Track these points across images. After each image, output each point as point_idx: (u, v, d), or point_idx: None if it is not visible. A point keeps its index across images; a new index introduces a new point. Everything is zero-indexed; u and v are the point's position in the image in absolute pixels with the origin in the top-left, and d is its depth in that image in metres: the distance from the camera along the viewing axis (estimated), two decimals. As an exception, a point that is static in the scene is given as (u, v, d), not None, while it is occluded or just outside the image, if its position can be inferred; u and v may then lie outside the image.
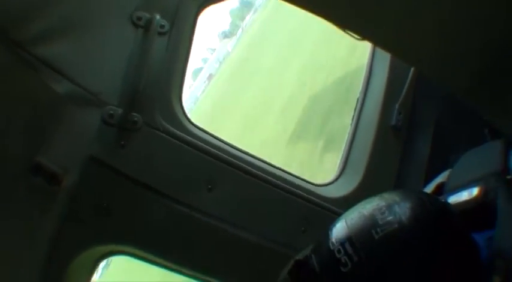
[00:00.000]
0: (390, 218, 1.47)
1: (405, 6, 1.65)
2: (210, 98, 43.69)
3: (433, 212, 1.53)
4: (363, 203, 1.60)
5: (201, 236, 2.30)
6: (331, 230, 1.55)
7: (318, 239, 1.60)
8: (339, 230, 1.53)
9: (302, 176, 2.60)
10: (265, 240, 2.38)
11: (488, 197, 1.73)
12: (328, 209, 2.50)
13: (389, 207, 1.50)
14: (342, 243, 1.48)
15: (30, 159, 1.90)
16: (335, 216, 1.64)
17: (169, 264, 2.31)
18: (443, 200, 1.71)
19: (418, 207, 1.51)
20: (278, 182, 2.44)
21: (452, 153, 2.17)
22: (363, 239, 1.47)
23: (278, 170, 2.53)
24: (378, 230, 1.46)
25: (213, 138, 2.40)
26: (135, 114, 2.17)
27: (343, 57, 13.67)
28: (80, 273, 2.19)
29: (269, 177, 2.43)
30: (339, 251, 1.48)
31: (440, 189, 2.03)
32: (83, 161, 2.09)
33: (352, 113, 2.92)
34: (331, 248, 1.50)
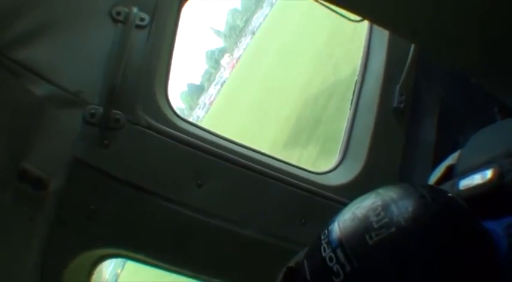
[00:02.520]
0: (386, 220, 1.32)
1: None
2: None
3: (436, 211, 1.36)
4: (357, 201, 1.44)
5: (194, 234, 2.22)
6: (324, 233, 1.41)
7: (312, 242, 1.46)
8: (331, 233, 1.38)
9: (300, 165, 2.50)
10: (262, 234, 2.29)
11: (504, 180, 1.59)
12: (330, 198, 2.39)
13: (385, 207, 1.35)
14: (333, 249, 1.35)
15: (16, 164, 1.88)
16: (337, 205, 1.55)
17: (164, 265, 2.25)
18: (449, 194, 1.51)
19: (419, 206, 1.35)
20: (273, 172, 2.35)
21: (461, 134, 2.07)
22: (355, 245, 1.32)
23: (273, 160, 2.44)
24: (372, 234, 1.31)
25: (201, 131, 2.32)
26: (116, 111, 2.10)
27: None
28: (77, 279, 2.16)
29: (263, 168, 2.33)
30: (330, 259, 1.34)
31: (450, 173, 1.89)
32: (67, 163, 2.04)
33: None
34: (323, 254, 1.36)
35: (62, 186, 2.01)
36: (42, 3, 2.03)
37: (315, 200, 2.38)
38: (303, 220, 2.34)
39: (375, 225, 1.32)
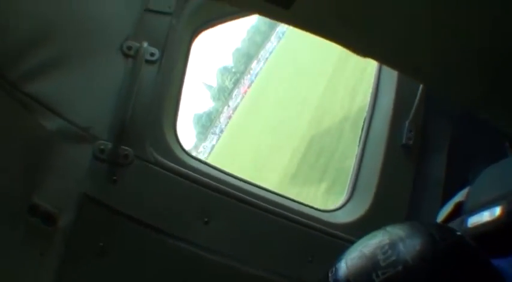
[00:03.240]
0: (393, 258, 1.32)
1: (404, 22, 1.57)
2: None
3: (444, 250, 1.35)
4: (365, 239, 1.46)
5: (200, 271, 2.21)
6: (331, 271, 1.43)
7: (319, 279, 1.50)
8: (339, 271, 1.40)
9: (307, 202, 2.47)
10: (269, 273, 2.26)
11: None
12: (337, 236, 2.36)
13: (392, 245, 1.35)
14: None
15: (27, 199, 1.88)
16: (345, 243, 1.54)
17: None
18: (458, 233, 1.51)
19: (427, 245, 1.35)
20: (280, 210, 2.33)
21: (470, 171, 2.03)
22: None
23: (280, 198, 2.42)
24: (379, 272, 1.31)
25: (209, 168, 2.32)
26: (125, 147, 2.11)
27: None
28: None
29: (270, 206, 2.32)
30: None
31: (459, 210, 1.89)
32: (77, 199, 2.04)
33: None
34: None
35: (71, 221, 2.01)
36: (55, 38, 2.05)
37: (322, 238, 2.35)
38: (310, 258, 2.31)
39: (382, 264, 1.32)
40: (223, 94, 65.80)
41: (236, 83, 62.20)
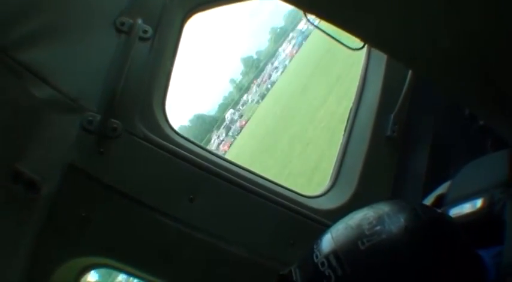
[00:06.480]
0: (378, 227, 1.37)
1: (400, 7, 1.59)
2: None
3: (427, 221, 1.41)
4: (351, 214, 1.50)
5: (183, 249, 2.22)
6: (316, 243, 1.46)
7: (303, 252, 1.51)
8: (324, 242, 1.43)
9: (292, 188, 2.50)
10: (250, 253, 2.29)
11: (494, 210, 1.62)
12: (319, 221, 2.39)
13: (378, 217, 1.40)
14: (326, 255, 1.39)
15: (10, 165, 1.87)
16: (327, 229, 1.57)
17: (151, 278, 2.23)
18: (439, 211, 1.59)
19: (410, 217, 1.40)
20: (265, 192, 2.35)
21: (451, 165, 2.08)
22: (347, 250, 1.37)
23: (265, 181, 2.44)
24: (365, 240, 1.36)
25: (196, 147, 2.33)
26: (114, 120, 2.11)
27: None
28: None
29: (256, 188, 2.34)
30: (322, 264, 1.39)
31: (440, 202, 1.92)
32: (61, 168, 2.03)
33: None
34: (315, 260, 1.41)
35: (55, 191, 1.99)
36: (50, 8, 2.04)
37: (304, 223, 2.38)
38: (292, 241, 2.33)
39: (367, 232, 1.37)
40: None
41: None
